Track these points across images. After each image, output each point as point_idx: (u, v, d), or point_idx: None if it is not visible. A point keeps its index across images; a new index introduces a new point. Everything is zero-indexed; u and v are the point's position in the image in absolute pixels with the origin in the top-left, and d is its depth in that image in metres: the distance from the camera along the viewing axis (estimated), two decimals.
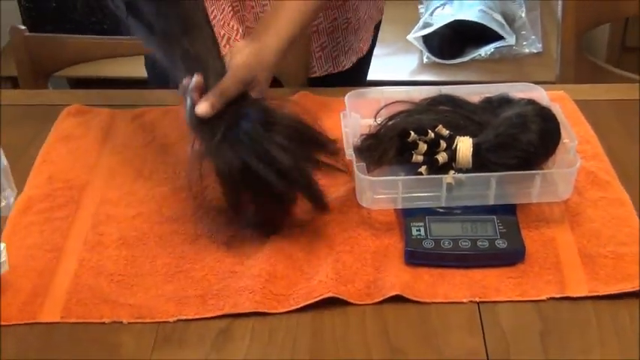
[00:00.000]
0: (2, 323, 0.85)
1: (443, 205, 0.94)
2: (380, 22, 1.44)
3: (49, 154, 1.11)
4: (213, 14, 1.27)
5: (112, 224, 0.98)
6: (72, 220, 0.99)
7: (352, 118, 1.04)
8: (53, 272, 0.92)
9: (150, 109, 1.22)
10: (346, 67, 1.36)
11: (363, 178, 0.94)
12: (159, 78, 1.41)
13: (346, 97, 1.06)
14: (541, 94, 1.05)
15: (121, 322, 0.85)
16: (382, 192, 0.95)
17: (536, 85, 1.09)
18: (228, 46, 1.29)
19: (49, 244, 0.96)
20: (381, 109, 1.05)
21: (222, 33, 1.28)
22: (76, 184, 1.05)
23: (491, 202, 0.95)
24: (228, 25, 1.29)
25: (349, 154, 0.97)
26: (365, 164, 0.96)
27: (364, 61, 1.41)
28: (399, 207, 0.95)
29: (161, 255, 0.94)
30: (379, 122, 1.03)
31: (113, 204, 1.02)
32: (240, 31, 1.30)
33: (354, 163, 0.95)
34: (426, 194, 0.94)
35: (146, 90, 1.23)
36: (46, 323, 0.85)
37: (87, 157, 1.10)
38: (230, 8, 1.28)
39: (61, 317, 0.86)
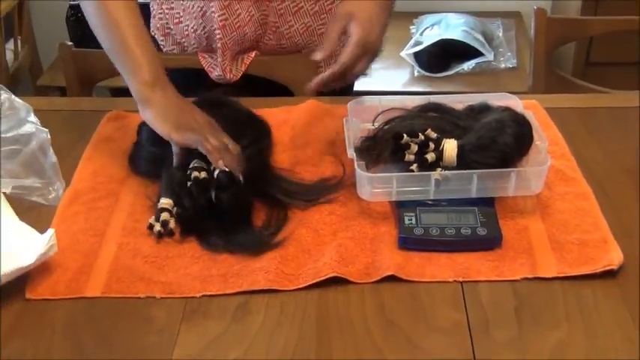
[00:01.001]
0: (52, 297, 0.85)
1: (431, 198, 0.94)
2: None
3: (93, 153, 1.11)
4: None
5: (146, 213, 0.98)
6: (112, 209, 0.99)
7: (353, 123, 1.03)
8: (96, 254, 0.91)
9: None
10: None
11: (362, 175, 0.93)
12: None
13: (348, 105, 1.06)
14: (516, 103, 1.05)
15: (154, 297, 0.85)
16: (379, 186, 0.95)
17: (512, 95, 1.08)
18: None
19: (92, 229, 0.95)
20: (379, 115, 1.05)
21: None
22: (116, 179, 1.05)
23: (473, 195, 0.94)
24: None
25: (350, 153, 0.97)
26: (364, 163, 0.95)
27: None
28: (394, 199, 0.95)
29: (188, 240, 0.93)
30: (376, 126, 1.02)
31: (147, 195, 1.01)
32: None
33: (355, 161, 0.95)
34: (417, 188, 0.94)
35: None
36: (90, 298, 0.85)
37: (125, 155, 1.09)
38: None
39: (102, 292, 0.86)
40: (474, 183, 0.93)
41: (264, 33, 1.25)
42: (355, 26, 1.04)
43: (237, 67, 1.28)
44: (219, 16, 1.22)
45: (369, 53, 1.06)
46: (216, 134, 0.98)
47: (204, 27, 1.27)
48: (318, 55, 1.03)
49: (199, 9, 1.26)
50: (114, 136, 1.14)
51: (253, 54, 1.29)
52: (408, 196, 0.94)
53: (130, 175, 1.05)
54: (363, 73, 1.08)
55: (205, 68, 1.30)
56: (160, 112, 1.00)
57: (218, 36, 1.24)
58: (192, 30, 1.29)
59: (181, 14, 1.29)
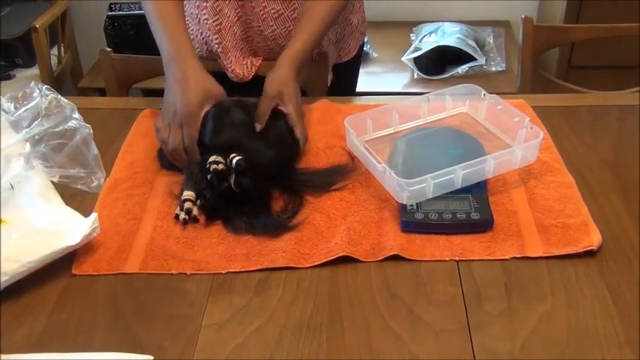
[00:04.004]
0: (95, 273, 0.86)
1: (458, 187, 0.93)
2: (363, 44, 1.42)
3: (130, 146, 1.11)
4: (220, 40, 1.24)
5: (177, 200, 0.98)
6: (148, 196, 1.00)
7: (351, 134, 1.02)
8: (134, 235, 0.92)
9: None
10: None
11: (399, 181, 0.89)
12: None
13: (345, 121, 1.03)
14: (477, 89, 1.09)
15: (185, 273, 0.86)
16: (415, 189, 0.90)
17: (475, 86, 1.10)
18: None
19: (130, 214, 0.96)
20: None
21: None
22: (151, 169, 1.05)
23: (489, 175, 0.95)
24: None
25: (381, 166, 0.93)
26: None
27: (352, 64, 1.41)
28: (430, 197, 0.92)
29: (214, 223, 0.94)
30: None
31: (179, 184, 1.02)
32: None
33: (391, 174, 0.91)
34: (445, 181, 0.91)
35: None
36: (128, 273, 0.86)
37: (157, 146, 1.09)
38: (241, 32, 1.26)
39: (140, 269, 0.87)
40: (491, 164, 0.93)
41: (253, 35, 1.25)
42: (286, 104, 1.06)
43: (248, 69, 1.27)
44: (213, 21, 1.22)
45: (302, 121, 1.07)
46: (180, 124, 0.99)
47: (202, 32, 1.27)
48: (257, 128, 1.03)
49: (195, 16, 1.25)
50: (148, 131, 1.15)
51: (260, 60, 1.28)
52: (439, 191, 0.92)
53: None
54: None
55: (223, 69, 1.29)
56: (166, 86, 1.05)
57: (216, 40, 1.23)
58: (195, 35, 1.29)
59: (190, 21, 1.28)
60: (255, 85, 1.28)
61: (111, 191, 1.01)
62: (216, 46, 1.24)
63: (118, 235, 0.92)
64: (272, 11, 1.21)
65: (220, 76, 1.30)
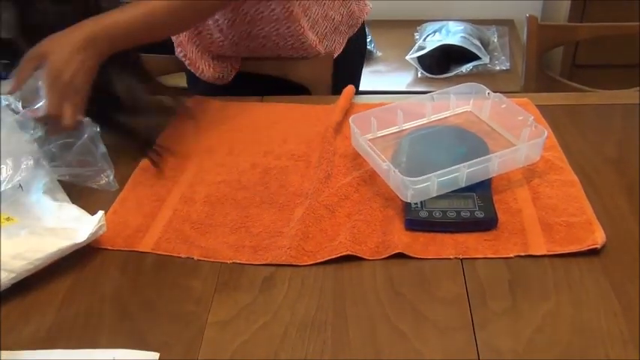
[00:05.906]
0: (110, 247, 0.89)
1: (463, 186, 0.93)
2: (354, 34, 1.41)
3: (174, 132, 1.14)
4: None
5: (203, 186, 1.01)
6: (176, 180, 1.03)
7: (356, 134, 1.02)
8: (154, 216, 0.95)
9: (240, 103, 1.24)
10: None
11: (404, 180, 0.90)
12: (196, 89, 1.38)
13: (350, 119, 1.03)
14: (481, 88, 1.09)
15: (193, 258, 0.87)
16: (419, 187, 0.91)
17: (480, 85, 1.10)
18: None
19: (155, 195, 0.99)
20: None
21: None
22: (184, 155, 1.08)
23: (493, 174, 0.95)
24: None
25: (386, 164, 0.94)
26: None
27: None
28: (434, 195, 0.92)
29: (232, 213, 0.95)
30: None
31: (207, 171, 1.04)
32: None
33: (395, 172, 0.91)
34: (450, 179, 0.92)
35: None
36: (141, 252, 0.89)
37: (201, 134, 1.13)
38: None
39: (152, 249, 0.89)
40: (495, 163, 0.93)
41: (212, 48, 1.27)
42: (45, 67, 0.92)
43: (228, 72, 1.29)
44: (182, 56, 1.27)
45: (68, 97, 0.93)
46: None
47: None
48: (5, 89, 0.92)
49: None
50: (196, 117, 1.17)
51: (240, 59, 1.30)
52: (443, 189, 0.92)
53: (196, 153, 1.09)
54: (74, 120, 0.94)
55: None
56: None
57: (181, 54, 1.27)
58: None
59: None
60: (240, 82, 1.30)
61: (144, 172, 1.04)
62: (183, 58, 1.27)
63: (139, 215, 0.95)
64: (225, 20, 1.22)
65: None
